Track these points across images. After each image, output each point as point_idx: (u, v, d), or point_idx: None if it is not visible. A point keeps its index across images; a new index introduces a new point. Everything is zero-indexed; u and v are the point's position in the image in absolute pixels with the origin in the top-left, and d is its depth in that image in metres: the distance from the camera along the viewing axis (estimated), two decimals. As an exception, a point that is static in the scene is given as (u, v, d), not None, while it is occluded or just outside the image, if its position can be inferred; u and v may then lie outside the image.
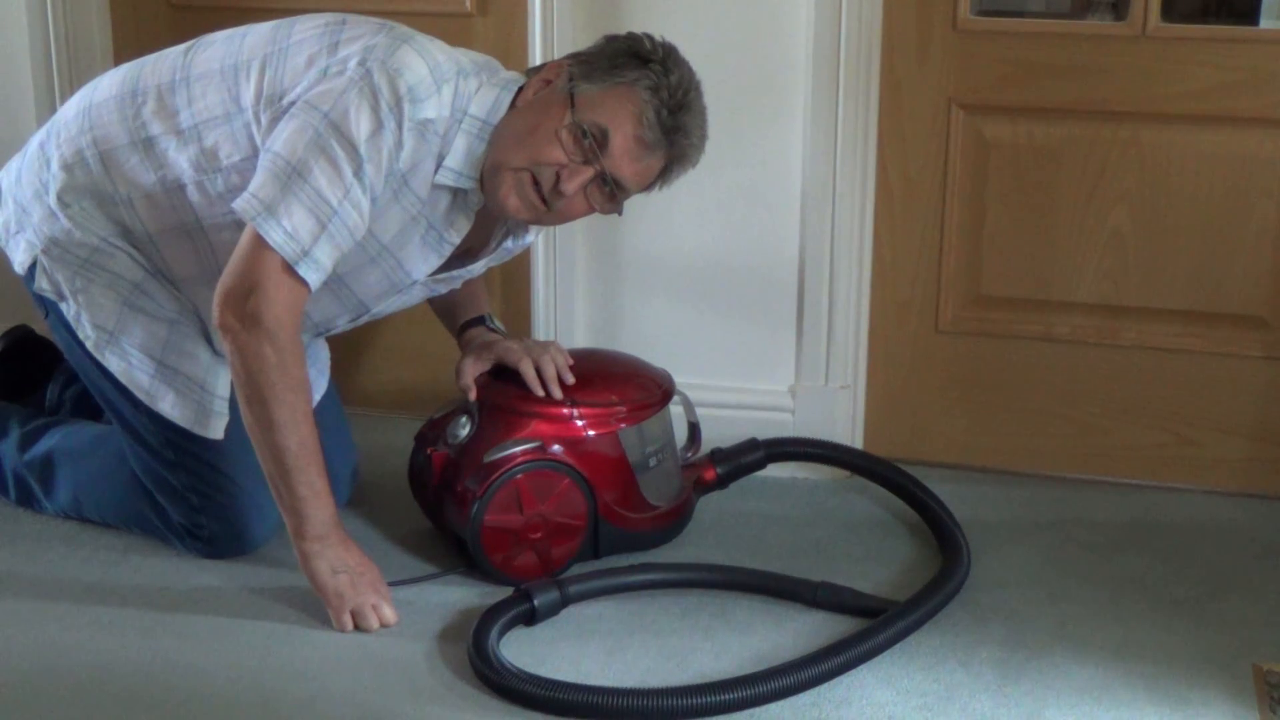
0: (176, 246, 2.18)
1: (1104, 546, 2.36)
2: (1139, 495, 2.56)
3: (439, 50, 2.08)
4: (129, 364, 2.21)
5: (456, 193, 2.11)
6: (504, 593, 2.12)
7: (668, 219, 2.61)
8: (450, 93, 2.04)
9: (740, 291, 2.62)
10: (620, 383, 2.30)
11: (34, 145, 2.26)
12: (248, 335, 2.00)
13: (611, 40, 2.11)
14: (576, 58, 2.10)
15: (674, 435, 2.35)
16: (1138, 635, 2.08)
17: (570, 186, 2.03)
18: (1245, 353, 2.50)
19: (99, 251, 2.19)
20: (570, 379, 2.23)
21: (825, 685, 1.93)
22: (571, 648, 2.03)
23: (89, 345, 2.22)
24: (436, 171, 2.07)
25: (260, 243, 1.98)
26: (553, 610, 2.09)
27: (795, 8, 2.47)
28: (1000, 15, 2.58)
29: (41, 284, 2.23)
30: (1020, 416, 2.63)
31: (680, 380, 2.40)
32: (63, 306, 2.23)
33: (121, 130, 2.16)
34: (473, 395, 2.25)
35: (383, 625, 2.07)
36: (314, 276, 2.01)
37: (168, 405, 2.21)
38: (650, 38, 2.09)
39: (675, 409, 2.36)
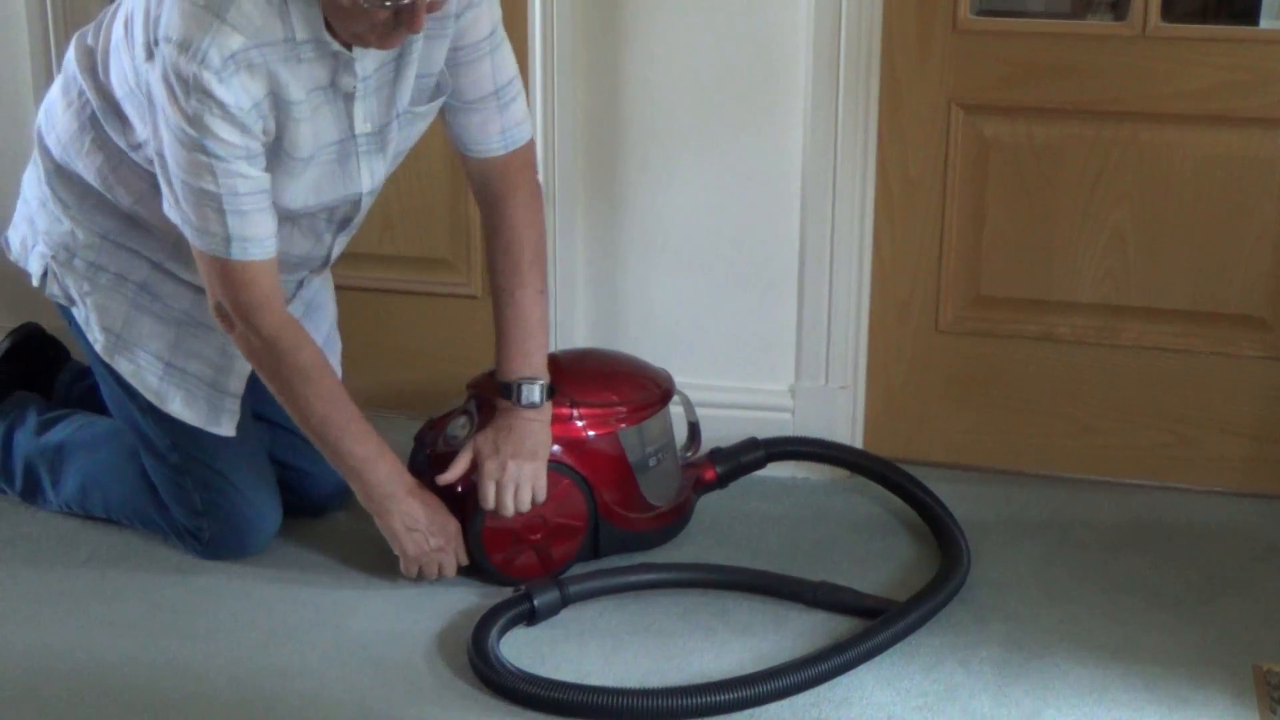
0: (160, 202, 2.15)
1: (1104, 546, 2.36)
2: (1139, 495, 2.55)
3: None
4: (137, 365, 2.21)
5: (327, 55, 1.99)
6: (504, 593, 2.12)
7: (668, 219, 2.61)
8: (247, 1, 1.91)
9: (740, 291, 2.62)
10: (620, 383, 2.30)
11: (31, 161, 2.28)
12: (237, 335, 2.07)
13: None
14: None
15: (674, 435, 2.35)
16: (1138, 635, 2.08)
17: (418, 26, 1.93)
18: (1245, 353, 2.50)
19: (104, 252, 2.20)
20: (537, 502, 2.16)
21: (825, 685, 1.93)
22: (571, 648, 2.03)
23: (98, 348, 2.22)
24: (299, 58, 1.96)
25: (196, 249, 2.03)
26: (553, 610, 2.09)
27: (795, 8, 2.47)
28: (1000, 15, 2.57)
29: (53, 289, 2.25)
30: (1020, 416, 2.62)
31: (680, 380, 2.40)
32: (74, 311, 2.24)
33: (71, 118, 2.17)
34: (450, 480, 2.18)
35: (443, 575, 2.16)
36: (256, 250, 2.00)
37: (177, 406, 2.21)
38: None
39: (675, 409, 2.36)
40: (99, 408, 2.45)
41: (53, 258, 2.23)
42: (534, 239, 2.21)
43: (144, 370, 2.21)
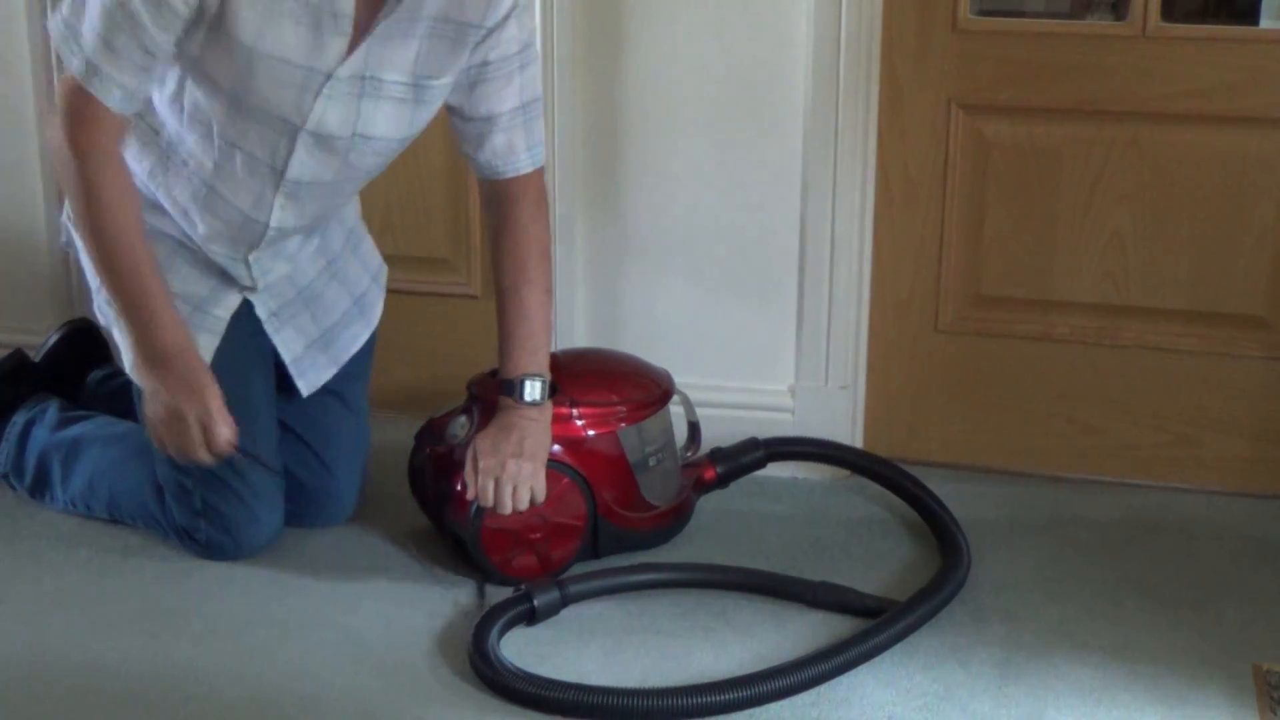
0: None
1: (1104, 547, 2.36)
2: (1139, 495, 2.55)
3: None
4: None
5: None
6: (504, 593, 2.12)
7: (667, 219, 2.61)
8: None
9: (740, 291, 2.62)
10: (620, 382, 2.30)
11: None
12: (58, 157, 2.03)
13: None
14: None
15: (674, 435, 2.35)
16: (1138, 635, 2.08)
17: None
18: (1245, 353, 2.50)
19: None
20: (535, 503, 2.15)
21: (825, 685, 1.93)
22: (571, 648, 2.03)
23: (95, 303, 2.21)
24: None
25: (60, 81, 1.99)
26: (553, 610, 2.09)
27: (795, 8, 2.47)
28: (1000, 15, 2.57)
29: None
30: (1020, 416, 2.62)
31: (680, 380, 2.40)
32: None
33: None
34: (471, 496, 2.15)
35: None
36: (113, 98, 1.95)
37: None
38: None
39: (675, 409, 2.36)
40: (124, 409, 2.45)
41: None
42: (540, 238, 2.20)
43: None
